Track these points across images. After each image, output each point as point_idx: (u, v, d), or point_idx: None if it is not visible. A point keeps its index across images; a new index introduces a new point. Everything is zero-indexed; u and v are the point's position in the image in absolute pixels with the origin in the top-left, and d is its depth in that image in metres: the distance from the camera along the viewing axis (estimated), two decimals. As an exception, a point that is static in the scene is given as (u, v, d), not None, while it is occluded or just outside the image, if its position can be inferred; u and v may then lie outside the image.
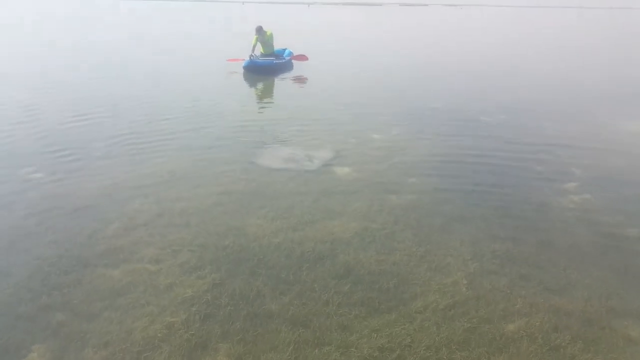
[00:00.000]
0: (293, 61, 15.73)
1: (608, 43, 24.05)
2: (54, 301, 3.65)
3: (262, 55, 14.83)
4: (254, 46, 14.41)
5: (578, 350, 3.21)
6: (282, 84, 13.48)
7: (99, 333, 3.33)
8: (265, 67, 14.29)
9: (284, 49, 16.18)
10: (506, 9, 63.90)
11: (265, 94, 12.61)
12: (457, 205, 5.47)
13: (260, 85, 13.31)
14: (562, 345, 3.25)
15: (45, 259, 4.18)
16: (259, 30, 14.39)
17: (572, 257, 4.42)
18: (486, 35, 27.31)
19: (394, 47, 23.32)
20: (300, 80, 14.00)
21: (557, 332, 3.38)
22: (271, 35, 14.77)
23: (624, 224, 5.17)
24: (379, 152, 7.37)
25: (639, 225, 5.16)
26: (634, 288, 3.99)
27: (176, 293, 3.73)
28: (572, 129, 9.30)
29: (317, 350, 3.21)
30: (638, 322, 3.55)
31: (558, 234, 4.87)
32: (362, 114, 9.89)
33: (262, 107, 10.98)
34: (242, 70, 14.12)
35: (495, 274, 4.11)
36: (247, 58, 14.03)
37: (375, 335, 3.36)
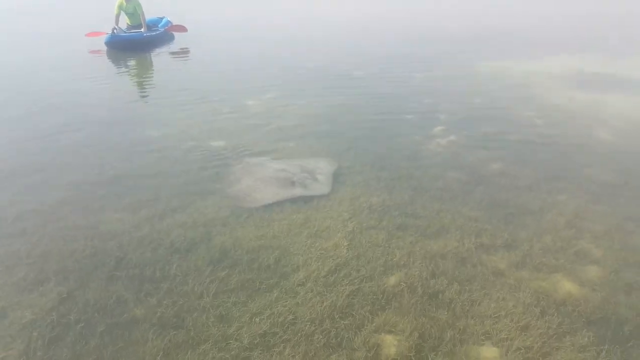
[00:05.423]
0: (171, 33, 14.05)
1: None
2: None
3: (130, 27, 12.85)
4: (117, 16, 12.34)
5: (455, 293, 3.26)
6: (157, 60, 11.81)
7: None
8: (133, 42, 12.29)
9: (161, 18, 14.24)
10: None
11: (133, 71, 10.88)
12: (334, 165, 5.33)
13: (129, 62, 11.45)
14: (441, 291, 3.28)
15: None
16: None
17: (444, 200, 4.53)
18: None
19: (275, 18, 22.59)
20: (180, 53, 12.51)
21: (435, 279, 3.40)
22: (138, 3, 12.81)
23: (486, 160, 5.46)
24: (253, 119, 6.98)
25: (499, 159, 5.49)
26: (499, 220, 4.20)
27: (11, 319, 3.08)
28: (436, 75, 9.75)
29: (191, 352, 2.85)
30: (504, 254, 3.73)
31: (430, 179, 4.97)
32: (238, 80, 9.34)
33: (128, 86, 9.78)
34: (105, 48, 12.13)
35: (373, 229, 4.05)
36: (110, 32, 12.01)
37: (256, 320, 3.09)
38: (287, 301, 3.24)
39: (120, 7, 12.47)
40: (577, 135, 6.37)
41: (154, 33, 13.16)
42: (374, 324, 3.01)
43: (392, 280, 3.42)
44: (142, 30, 12.76)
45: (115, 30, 12.14)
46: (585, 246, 3.83)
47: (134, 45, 12.37)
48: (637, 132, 6.51)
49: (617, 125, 6.75)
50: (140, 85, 9.60)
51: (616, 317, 3.08)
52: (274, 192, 4.67)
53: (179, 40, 13.87)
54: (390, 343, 2.88)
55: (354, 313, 3.11)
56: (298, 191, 4.67)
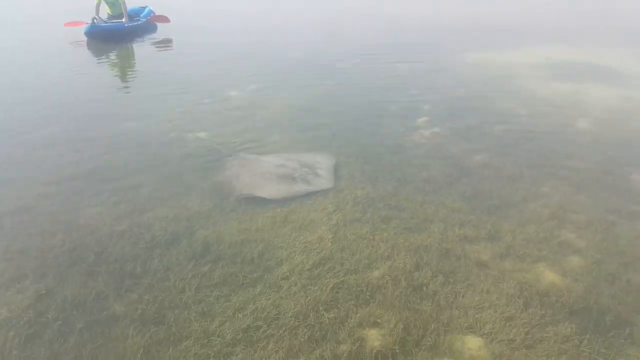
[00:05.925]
0: (154, 23, 13.67)
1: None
2: None
3: (110, 17, 12.53)
4: (98, 5, 11.99)
5: (439, 285, 3.25)
6: (138, 50, 11.50)
7: None
8: (113, 32, 11.97)
9: (144, 7, 13.89)
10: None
11: (113, 62, 10.63)
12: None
13: (110, 53, 11.11)
14: (425, 283, 3.27)
15: None
16: None
17: (427, 192, 4.53)
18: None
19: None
20: (162, 43, 12.24)
21: (418, 271, 3.39)
22: None
23: (469, 151, 5.46)
24: (237, 111, 6.89)
25: (482, 150, 5.50)
26: (483, 212, 4.20)
27: (-14, 318, 2.99)
28: (419, 66, 9.73)
29: (172, 349, 2.80)
30: (488, 245, 3.73)
31: (413, 171, 4.96)
32: (221, 71, 9.20)
33: (108, 77, 9.54)
34: (85, 39, 11.79)
35: (357, 221, 4.02)
36: (91, 22, 11.65)
37: (239, 315, 3.04)
38: (270, 295, 3.20)
39: None
40: (560, 125, 6.42)
41: (136, 23, 12.87)
42: (359, 317, 2.98)
43: (377, 272, 3.40)
44: (124, 20, 12.47)
45: (95, 20, 11.82)
46: (568, 237, 3.86)
47: (115, 35, 12.08)
48: (618, 122, 6.59)
49: (599, 116, 6.81)
50: (121, 76, 9.41)
51: (598, 307, 3.10)
52: (276, 188, 4.52)
53: (162, 31, 13.60)
54: (374, 336, 2.86)
55: (338, 306, 3.08)
56: (301, 187, 4.55)
